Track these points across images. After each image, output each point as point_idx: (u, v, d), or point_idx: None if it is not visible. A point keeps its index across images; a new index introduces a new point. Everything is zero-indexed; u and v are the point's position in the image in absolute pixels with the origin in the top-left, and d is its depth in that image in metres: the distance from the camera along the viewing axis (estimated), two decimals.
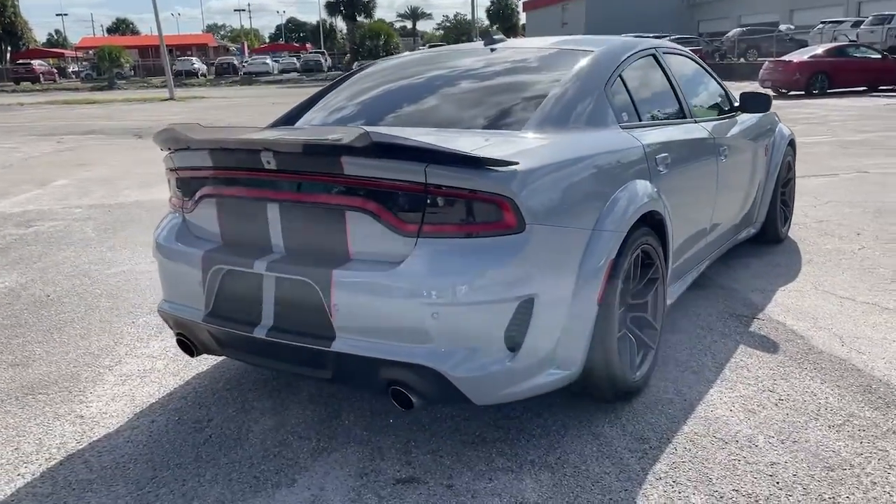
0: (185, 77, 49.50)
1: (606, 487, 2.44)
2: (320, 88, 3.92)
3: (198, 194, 2.85)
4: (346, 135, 2.30)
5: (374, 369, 2.45)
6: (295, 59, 61.14)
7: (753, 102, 4.43)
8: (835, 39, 28.49)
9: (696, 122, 3.87)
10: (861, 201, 6.75)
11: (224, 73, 54.04)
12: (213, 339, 2.82)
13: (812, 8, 41.15)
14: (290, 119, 3.56)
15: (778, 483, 2.43)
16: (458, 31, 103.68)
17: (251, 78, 50.34)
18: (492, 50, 3.68)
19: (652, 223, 3.02)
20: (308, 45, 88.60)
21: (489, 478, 2.52)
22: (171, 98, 31.44)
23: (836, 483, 2.42)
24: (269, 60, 56.91)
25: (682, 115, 3.81)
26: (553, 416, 2.90)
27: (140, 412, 3.09)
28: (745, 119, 4.60)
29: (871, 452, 2.59)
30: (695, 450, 2.64)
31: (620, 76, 3.32)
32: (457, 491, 2.45)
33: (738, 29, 37.48)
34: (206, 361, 3.56)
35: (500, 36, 3.80)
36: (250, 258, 2.63)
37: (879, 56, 21.60)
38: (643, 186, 2.98)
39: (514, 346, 2.45)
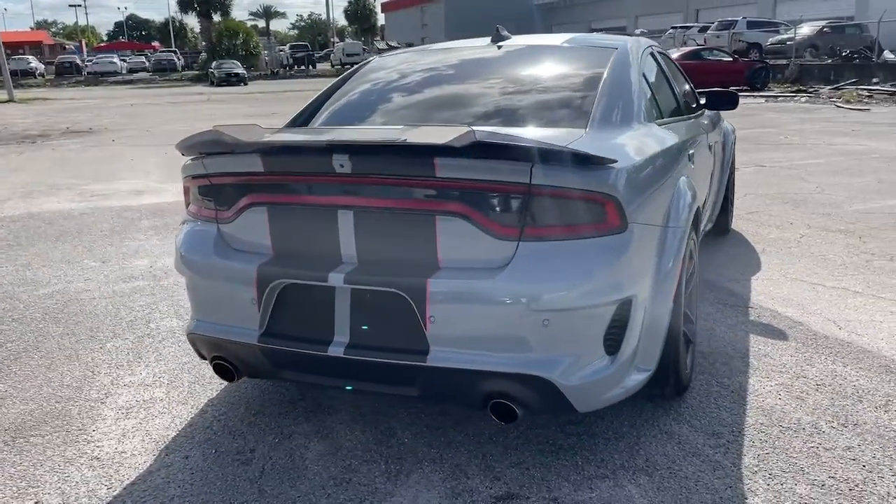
0: (21, 77, 45.52)
1: (710, 487, 2.41)
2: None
3: (241, 202, 2.57)
4: (444, 135, 2.13)
5: (474, 382, 2.30)
6: (144, 59, 58.00)
7: (720, 100, 4.58)
8: (685, 44, 30.52)
9: (690, 117, 3.96)
10: (775, 193, 7.20)
11: (65, 73, 50.24)
12: (269, 361, 2.56)
13: (654, 14, 43.94)
14: (305, 120, 3.30)
15: (865, 466, 2.50)
16: (313, 30, 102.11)
17: (97, 78, 47.23)
18: (499, 47, 3.59)
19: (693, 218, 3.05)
20: (156, 44, 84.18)
21: (589, 487, 2.43)
22: (11, 100, 28.77)
23: None
24: (116, 59, 53.59)
25: (679, 110, 3.88)
26: (616, 418, 2.85)
27: (165, 448, 2.75)
28: (709, 115, 4.77)
29: None
30: (770, 440, 2.68)
31: (643, 73, 3.33)
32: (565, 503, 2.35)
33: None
34: (213, 386, 3.24)
35: (507, 33, 3.71)
36: (321, 270, 2.40)
37: (731, 59, 23.32)
38: (686, 183, 2.99)
39: (612, 349, 2.38)
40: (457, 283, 2.26)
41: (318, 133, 2.68)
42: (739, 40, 27.97)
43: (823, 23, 26.77)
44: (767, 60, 24.66)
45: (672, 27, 33.72)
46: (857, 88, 19.64)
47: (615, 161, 2.31)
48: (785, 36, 26.76)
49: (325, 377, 2.57)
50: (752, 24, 29.27)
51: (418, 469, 2.56)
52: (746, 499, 2.35)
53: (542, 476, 2.49)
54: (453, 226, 2.27)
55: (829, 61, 23.29)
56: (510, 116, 2.97)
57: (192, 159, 2.65)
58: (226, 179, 2.59)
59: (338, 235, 2.42)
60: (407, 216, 2.33)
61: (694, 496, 2.37)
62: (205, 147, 2.52)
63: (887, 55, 22.76)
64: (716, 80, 22.81)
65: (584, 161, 2.23)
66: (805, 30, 26.11)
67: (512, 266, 2.25)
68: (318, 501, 2.40)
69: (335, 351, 2.39)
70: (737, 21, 29.15)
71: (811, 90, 20.56)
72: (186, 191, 2.80)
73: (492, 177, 2.22)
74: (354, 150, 2.29)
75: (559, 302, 2.23)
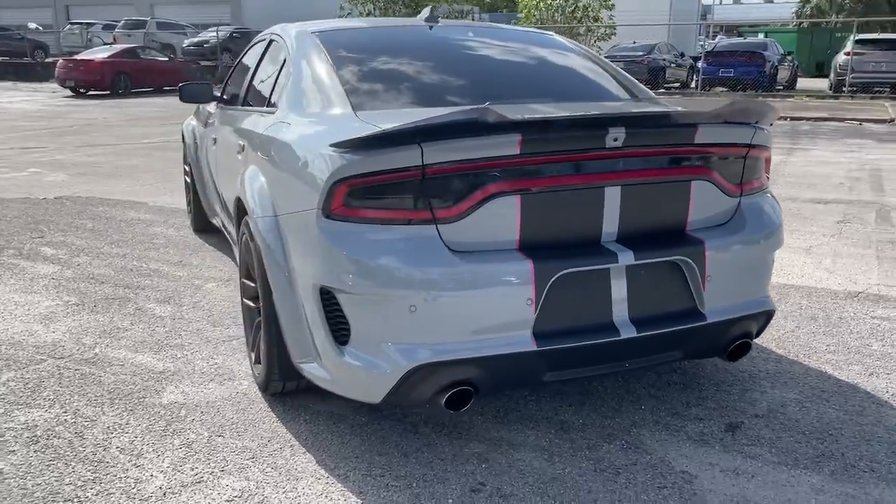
0: None
1: None
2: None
3: (477, 194, 2.22)
4: (716, 104, 2.37)
5: (730, 330, 2.57)
6: None
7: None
8: (90, 42, 28.93)
9: None
10: None
11: None
12: (544, 364, 2.31)
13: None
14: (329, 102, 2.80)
15: None
16: None
17: None
18: (431, 28, 3.52)
19: None
20: None
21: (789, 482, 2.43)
22: None
23: None
24: None
25: None
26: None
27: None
28: None
29: None
30: None
31: None
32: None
33: None
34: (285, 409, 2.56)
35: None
36: (600, 255, 2.31)
37: (166, 59, 23.21)
38: None
39: None
40: (731, 239, 2.51)
41: (570, 110, 2.47)
42: (153, 41, 27.85)
43: (232, 28, 28.63)
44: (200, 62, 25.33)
45: (70, 22, 31.41)
46: None
47: None
48: (200, 39, 27.75)
49: (603, 364, 2.44)
50: (161, 25, 29.42)
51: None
52: None
53: (715, 461, 2.88)
54: (702, 188, 2.49)
55: None
56: (578, 91, 3.09)
57: (398, 150, 2.14)
58: (459, 168, 2.19)
59: (602, 213, 2.35)
60: (667, 184, 2.43)
61: None
62: (453, 129, 2.11)
63: None
64: (157, 81, 22.66)
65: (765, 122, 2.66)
66: (220, 33, 27.55)
67: (736, 219, 2.59)
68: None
69: (627, 333, 2.35)
70: (147, 21, 28.94)
71: None
72: (384, 186, 2.22)
73: (730, 139, 2.51)
74: (630, 122, 2.29)
75: (777, 243, 2.67)
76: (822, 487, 2.36)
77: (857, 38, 19.01)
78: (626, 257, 2.33)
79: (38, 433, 2.70)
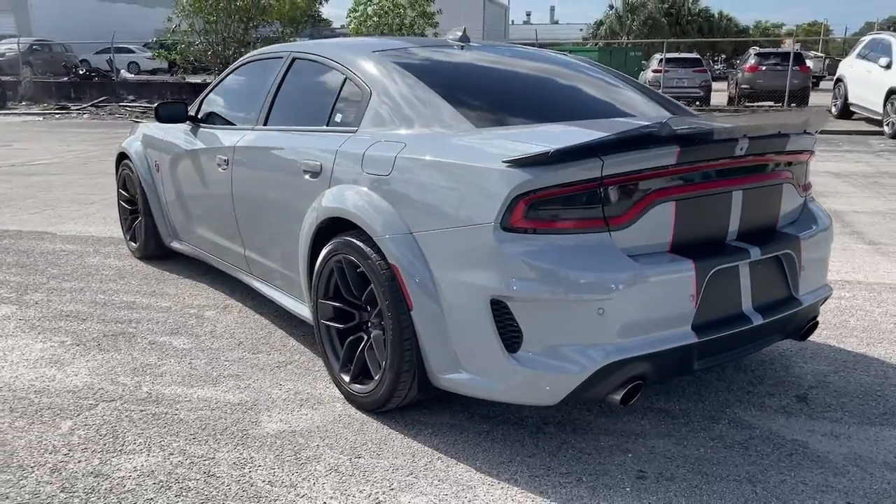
0: None
1: None
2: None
3: (643, 201, 2.42)
4: (806, 116, 2.77)
5: (811, 312, 2.95)
6: None
7: None
8: None
9: None
10: None
11: None
12: (698, 354, 2.53)
13: None
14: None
15: None
16: None
17: None
18: (462, 48, 3.64)
19: None
20: None
21: None
22: None
23: None
24: None
25: None
26: None
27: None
28: None
29: None
30: None
31: None
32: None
33: None
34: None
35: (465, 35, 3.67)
36: (737, 252, 2.61)
37: None
38: None
39: None
40: (813, 232, 2.90)
41: (729, 121, 2.72)
42: None
43: (32, 40, 26.30)
44: None
45: None
46: (120, 105, 20.54)
47: None
48: None
49: (736, 350, 2.69)
50: None
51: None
52: None
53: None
54: (788, 190, 2.87)
55: (66, 79, 23.28)
56: (635, 109, 3.33)
57: (583, 164, 2.29)
58: (629, 178, 2.38)
59: (729, 214, 2.64)
60: (770, 187, 2.78)
61: None
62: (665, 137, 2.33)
63: (126, 74, 24.16)
64: None
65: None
66: (20, 46, 25.15)
67: (803, 216, 2.99)
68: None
69: (756, 320, 2.64)
70: None
71: (62, 107, 20.39)
72: (569, 198, 2.35)
73: (804, 147, 2.90)
74: (752, 133, 2.59)
75: (833, 235, 3.11)
76: None
77: (665, 56, 21.12)
78: (755, 253, 2.63)
79: (162, 478, 2.51)
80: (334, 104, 3.30)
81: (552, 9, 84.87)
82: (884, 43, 14.16)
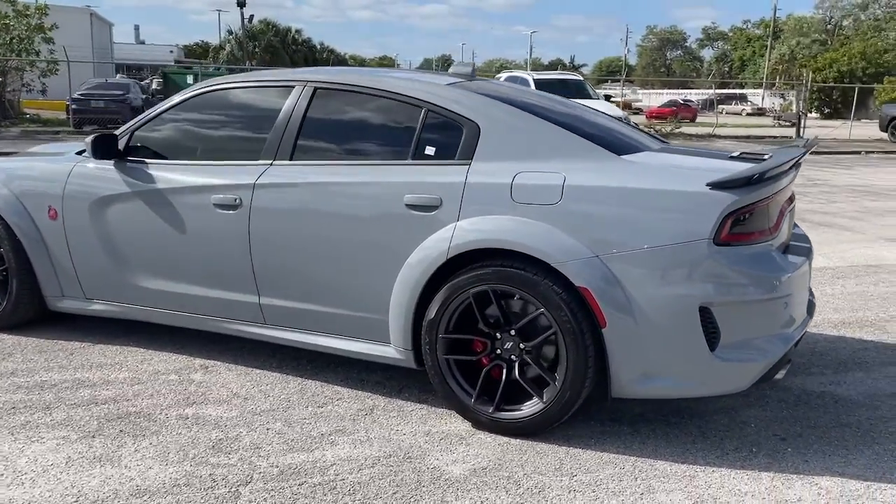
0: None
1: None
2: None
3: (779, 215, 3.02)
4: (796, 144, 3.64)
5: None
6: None
7: None
8: None
9: None
10: None
11: None
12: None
13: None
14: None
15: None
16: None
17: None
18: (470, 79, 3.77)
19: None
20: None
21: None
22: None
23: None
24: None
25: None
26: None
27: None
28: None
29: None
30: None
31: None
32: None
33: None
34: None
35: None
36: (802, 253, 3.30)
37: None
38: None
39: None
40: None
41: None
42: None
43: None
44: None
45: None
46: None
47: None
48: None
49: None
50: None
51: None
52: None
53: None
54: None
55: None
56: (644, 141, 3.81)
57: (748, 187, 2.78)
58: (775, 196, 2.96)
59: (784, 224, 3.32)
60: (791, 201, 3.52)
61: None
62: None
63: None
64: None
65: None
66: None
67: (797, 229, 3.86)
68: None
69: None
70: None
71: None
72: (725, 223, 2.77)
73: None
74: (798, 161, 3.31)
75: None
76: None
77: None
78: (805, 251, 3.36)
79: None
80: (418, 137, 3.21)
81: (136, 28, 79.69)
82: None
